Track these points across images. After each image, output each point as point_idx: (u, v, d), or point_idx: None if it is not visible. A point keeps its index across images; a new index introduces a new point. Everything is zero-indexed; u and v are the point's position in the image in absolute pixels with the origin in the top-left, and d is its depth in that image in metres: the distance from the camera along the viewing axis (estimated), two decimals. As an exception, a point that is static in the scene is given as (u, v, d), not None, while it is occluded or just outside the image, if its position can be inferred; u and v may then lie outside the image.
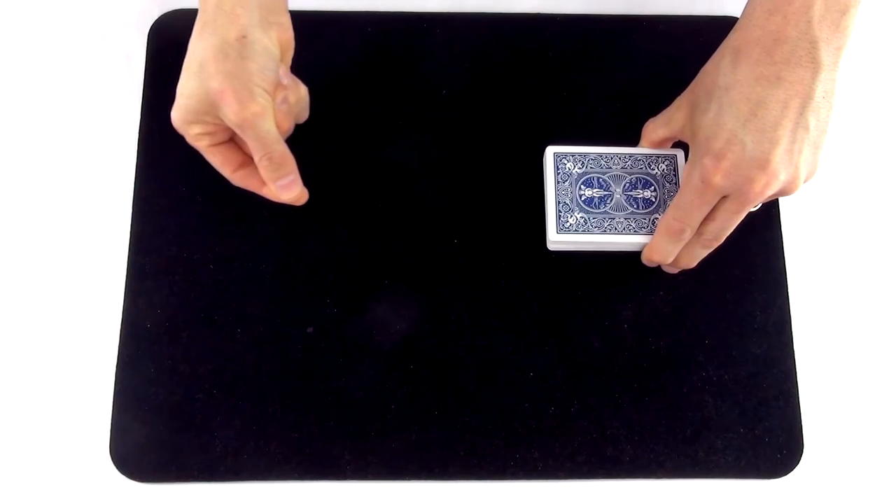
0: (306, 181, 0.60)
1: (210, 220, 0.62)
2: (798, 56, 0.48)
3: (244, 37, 0.50)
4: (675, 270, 0.60)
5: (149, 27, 0.65)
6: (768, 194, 0.51)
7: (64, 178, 0.63)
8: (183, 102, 0.51)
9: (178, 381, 0.59)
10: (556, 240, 0.58)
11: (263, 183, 0.54)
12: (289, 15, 0.54)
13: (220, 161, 0.54)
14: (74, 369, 0.60)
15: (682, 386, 0.60)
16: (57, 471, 0.58)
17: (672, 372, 0.60)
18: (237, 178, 0.55)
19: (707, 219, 0.54)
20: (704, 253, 0.57)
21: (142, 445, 0.58)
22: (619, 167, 0.59)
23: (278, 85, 0.53)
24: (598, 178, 0.58)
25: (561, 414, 0.59)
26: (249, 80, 0.50)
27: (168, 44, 0.65)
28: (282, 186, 0.54)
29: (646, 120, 0.60)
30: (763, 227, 0.63)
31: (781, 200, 0.63)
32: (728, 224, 0.54)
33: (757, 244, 0.62)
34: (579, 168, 0.58)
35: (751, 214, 0.54)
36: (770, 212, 0.63)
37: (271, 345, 0.59)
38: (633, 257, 0.61)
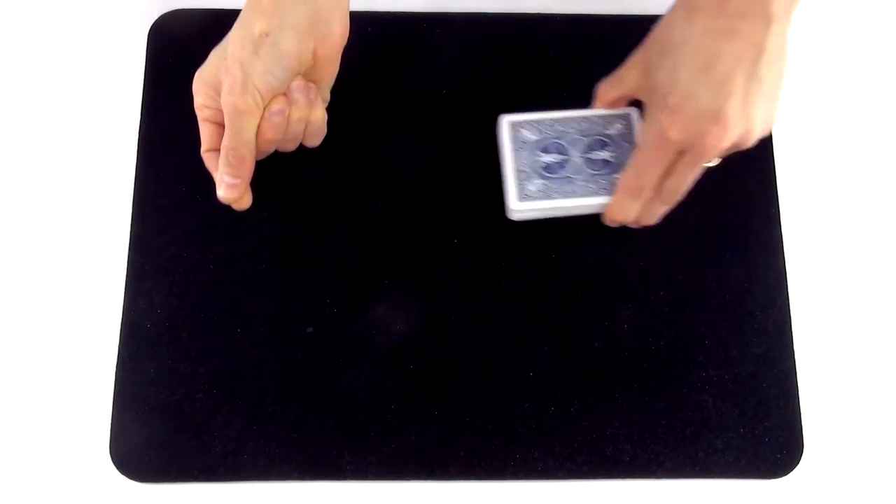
0: (307, 181, 0.60)
1: (210, 220, 0.61)
2: (750, 9, 0.48)
3: (267, 35, 0.51)
4: (637, 226, 0.60)
5: (149, 27, 0.65)
6: (723, 147, 0.51)
7: (64, 179, 0.63)
8: (201, 71, 0.54)
9: (178, 381, 0.59)
10: (518, 208, 0.58)
11: (217, 170, 0.55)
12: (344, 31, 0.54)
13: (203, 135, 0.56)
14: (74, 369, 0.60)
15: (682, 386, 0.60)
16: (57, 471, 0.58)
17: (672, 372, 0.60)
18: (205, 156, 0.56)
19: (665, 174, 0.54)
20: (665, 209, 0.57)
21: (142, 445, 0.58)
22: (574, 130, 0.59)
23: (281, 94, 0.53)
24: (555, 143, 0.58)
25: (561, 414, 0.59)
26: (249, 76, 0.51)
27: (168, 44, 0.65)
28: (224, 182, 0.55)
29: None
30: (763, 227, 0.63)
31: (781, 200, 0.63)
32: (686, 179, 0.54)
33: (757, 244, 0.62)
34: (535, 135, 0.58)
35: (709, 169, 0.54)
36: (770, 212, 0.63)
37: (271, 345, 0.59)
38: (632, 257, 0.61)
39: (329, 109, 0.59)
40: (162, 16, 0.66)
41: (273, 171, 0.62)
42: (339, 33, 0.54)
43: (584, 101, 0.62)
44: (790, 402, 0.60)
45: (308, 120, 0.55)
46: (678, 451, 0.58)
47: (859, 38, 0.68)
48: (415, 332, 0.60)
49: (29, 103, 0.65)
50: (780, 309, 0.61)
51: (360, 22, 0.65)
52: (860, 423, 0.60)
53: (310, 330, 0.60)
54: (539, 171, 0.58)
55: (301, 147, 0.58)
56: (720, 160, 0.55)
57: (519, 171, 0.58)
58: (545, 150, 0.58)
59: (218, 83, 0.53)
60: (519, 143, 0.58)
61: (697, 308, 0.61)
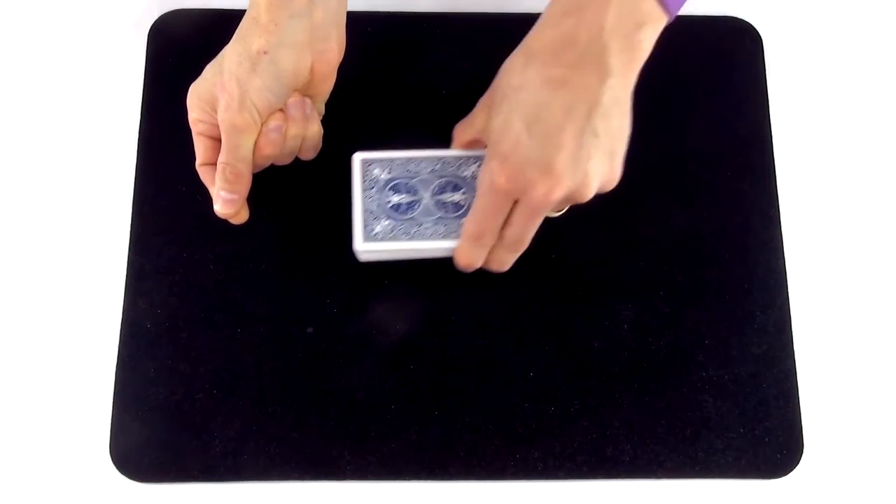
0: (307, 181, 0.60)
1: (210, 220, 0.61)
2: (586, 61, 0.47)
3: (265, 52, 0.51)
4: (493, 271, 0.58)
5: (149, 27, 0.65)
6: (554, 199, 0.49)
7: (64, 179, 0.63)
8: (195, 86, 0.54)
9: (178, 381, 0.59)
10: (364, 249, 0.55)
11: (213, 184, 0.55)
12: (341, 47, 0.54)
13: (198, 149, 0.55)
14: (74, 369, 0.60)
15: (682, 386, 0.60)
16: (57, 471, 0.58)
17: (672, 372, 0.60)
18: (200, 170, 0.56)
19: (505, 223, 0.52)
20: (513, 257, 0.55)
21: (142, 445, 0.58)
22: (427, 171, 0.56)
23: (278, 111, 0.53)
24: (406, 184, 0.56)
25: (561, 414, 0.59)
26: (247, 93, 0.51)
27: (168, 44, 0.65)
28: (221, 198, 0.54)
29: (641, 117, 0.59)
30: (763, 227, 0.63)
31: (781, 200, 0.63)
32: (525, 228, 0.52)
33: (757, 244, 0.62)
34: (386, 174, 0.56)
35: (551, 220, 0.51)
36: (770, 212, 0.63)
37: (271, 345, 0.59)
38: (632, 257, 0.61)
39: (329, 109, 0.59)
40: (162, 16, 0.66)
41: (273, 171, 0.62)
42: (336, 49, 0.54)
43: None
44: (790, 402, 0.60)
45: (304, 135, 0.55)
46: (678, 451, 0.58)
47: (859, 39, 0.68)
48: (415, 332, 0.60)
49: (29, 103, 0.65)
50: (780, 309, 0.61)
51: (360, 22, 0.65)
52: (860, 423, 0.60)
53: (310, 330, 0.60)
54: (387, 211, 0.55)
55: (297, 159, 0.58)
56: (564, 211, 0.53)
57: (366, 211, 0.55)
58: (395, 190, 0.55)
59: (213, 98, 0.52)
60: (369, 182, 0.56)
61: (697, 308, 0.61)
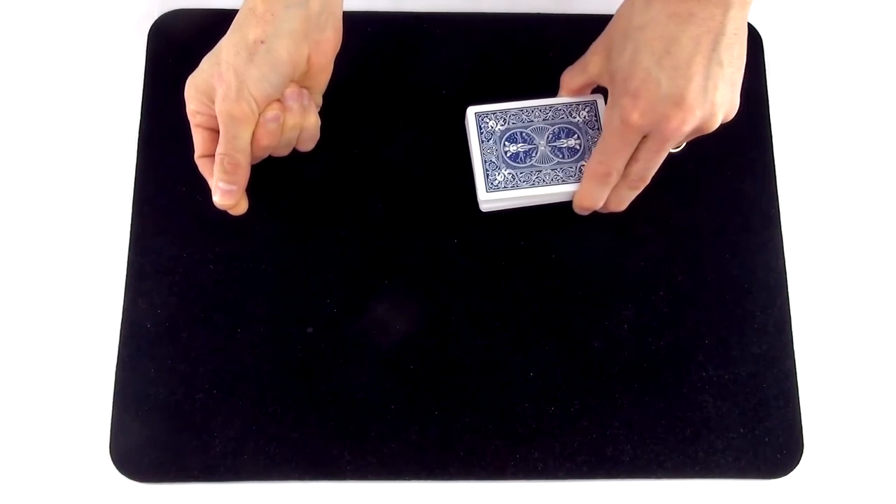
0: (307, 181, 0.59)
1: (210, 220, 0.61)
2: None
3: (262, 42, 0.51)
4: (606, 212, 0.60)
5: (149, 27, 0.65)
6: (686, 131, 0.51)
7: (64, 179, 0.63)
8: (193, 78, 0.53)
9: (178, 381, 0.59)
10: (487, 198, 0.58)
11: (212, 176, 0.55)
12: (337, 37, 0.54)
13: (197, 141, 0.55)
14: (74, 369, 0.60)
15: (682, 386, 0.60)
16: (57, 471, 0.58)
17: (672, 372, 0.60)
18: (199, 162, 0.56)
19: (631, 160, 0.54)
20: (633, 195, 0.57)
21: (142, 445, 0.58)
22: (540, 119, 0.59)
23: (276, 101, 0.53)
24: (521, 133, 0.58)
25: (561, 414, 0.59)
26: (244, 84, 0.51)
27: (168, 44, 0.65)
28: (220, 189, 0.54)
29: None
30: (763, 227, 0.63)
31: (781, 200, 0.63)
32: (651, 164, 0.54)
33: (757, 244, 0.62)
34: (501, 125, 0.58)
35: (671, 154, 0.54)
36: (770, 212, 0.63)
37: (271, 345, 0.59)
38: (632, 257, 0.61)
39: (329, 109, 0.59)
40: (162, 16, 0.66)
41: (273, 171, 0.62)
42: (333, 39, 0.54)
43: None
44: (790, 402, 0.60)
45: (302, 126, 0.56)
46: (678, 451, 0.58)
47: (859, 39, 0.68)
48: (415, 332, 0.60)
49: (29, 103, 0.65)
50: (780, 309, 0.61)
51: (360, 22, 0.65)
52: (860, 423, 0.60)
53: (310, 330, 0.60)
54: (506, 161, 0.58)
55: (295, 151, 0.58)
56: (684, 146, 0.55)
57: (486, 162, 0.58)
58: (511, 140, 0.58)
59: (211, 89, 0.52)
60: (485, 134, 0.58)
61: (697, 308, 0.61)
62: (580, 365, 0.60)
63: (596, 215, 0.59)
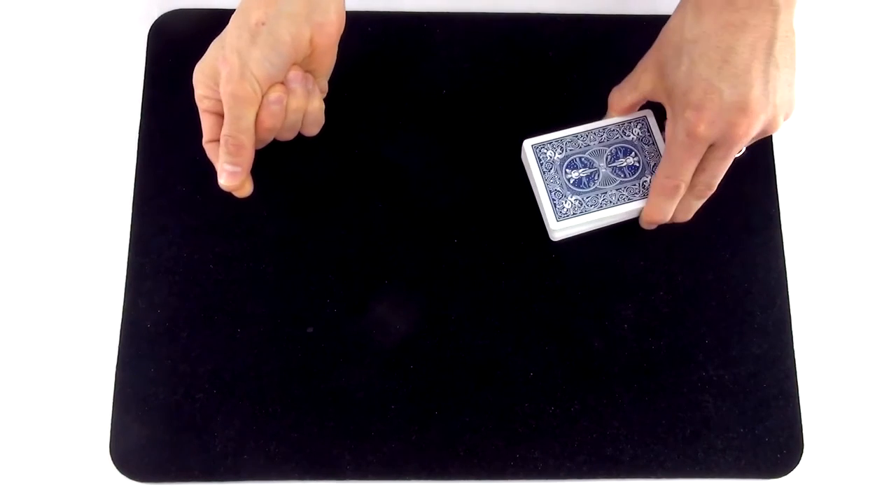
0: (307, 181, 0.59)
1: (210, 220, 0.61)
2: (758, 2, 0.51)
3: (263, 23, 0.52)
4: (671, 222, 0.61)
5: (149, 27, 0.65)
6: (752, 135, 0.53)
7: (64, 179, 0.63)
8: (200, 63, 0.54)
9: (178, 381, 0.59)
10: (558, 227, 0.58)
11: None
12: (340, 20, 0.55)
13: (205, 126, 0.56)
14: (74, 369, 0.60)
15: (682, 386, 0.60)
16: (57, 471, 0.58)
17: (672, 372, 0.60)
18: (207, 147, 0.56)
19: (697, 170, 0.55)
20: (699, 204, 0.58)
21: (142, 445, 0.58)
22: (596, 142, 0.59)
23: (279, 83, 0.54)
24: (580, 158, 0.59)
25: (561, 414, 0.59)
26: (247, 65, 0.52)
27: (168, 44, 0.65)
28: (225, 171, 0.55)
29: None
30: (763, 227, 0.63)
31: (781, 200, 0.63)
32: (718, 171, 0.55)
33: (757, 244, 0.62)
34: (559, 153, 0.59)
35: (737, 160, 0.55)
36: (770, 212, 0.63)
37: (271, 345, 0.59)
38: (632, 257, 0.61)
39: (329, 109, 0.59)
40: (162, 16, 0.66)
41: (273, 171, 0.62)
42: (335, 21, 0.54)
43: (585, 101, 0.62)
44: (790, 402, 0.60)
45: (306, 110, 0.56)
46: (678, 451, 0.58)
47: (859, 39, 0.68)
48: (415, 332, 0.60)
49: (29, 103, 0.65)
50: (780, 309, 0.61)
51: (360, 22, 0.65)
52: (860, 423, 0.60)
53: (310, 330, 0.60)
54: (570, 188, 0.58)
55: (300, 146, 0.58)
56: (745, 150, 0.56)
57: (551, 192, 0.58)
58: (572, 167, 0.59)
59: (217, 74, 0.53)
60: (546, 165, 0.59)
61: (697, 308, 0.61)
62: (580, 365, 0.60)
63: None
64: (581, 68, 0.65)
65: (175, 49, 0.65)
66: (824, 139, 0.66)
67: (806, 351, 0.61)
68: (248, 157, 0.55)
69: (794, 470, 0.59)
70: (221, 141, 0.54)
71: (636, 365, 0.60)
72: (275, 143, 0.58)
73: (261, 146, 0.57)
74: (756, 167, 0.64)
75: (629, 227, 0.61)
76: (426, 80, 0.65)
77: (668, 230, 0.62)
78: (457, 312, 0.60)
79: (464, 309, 0.60)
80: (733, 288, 0.61)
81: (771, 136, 0.64)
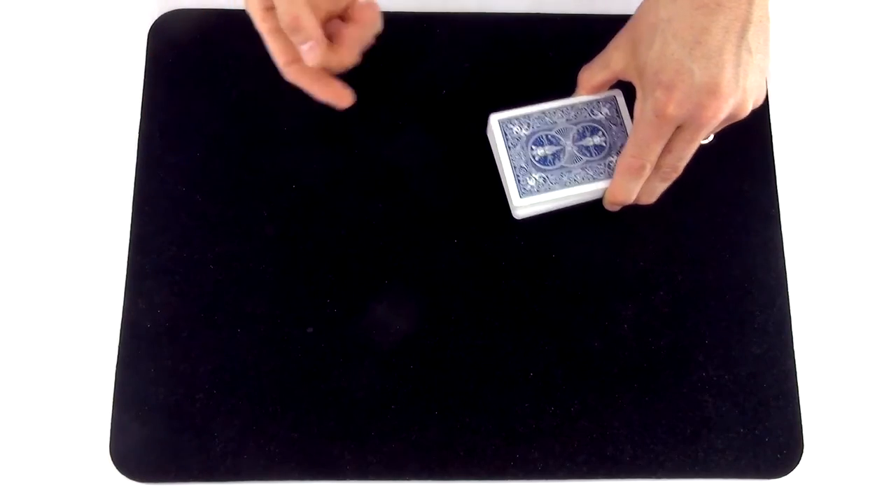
0: (307, 181, 0.59)
1: (210, 220, 0.61)
2: None
3: None
4: (636, 204, 0.60)
5: (149, 27, 0.65)
6: (720, 118, 0.52)
7: (64, 179, 0.63)
8: None
9: (178, 381, 0.59)
10: (521, 204, 0.58)
11: (313, 80, 0.54)
12: None
13: (277, 49, 0.54)
14: (74, 369, 0.60)
15: (682, 386, 0.60)
16: (57, 471, 0.58)
17: (672, 372, 0.60)
18: (290, 73, 0.54)
19: (664, 151, 0.55)
20: (664, 186, 0.58)
21: (142, 445, 0.58)
22: (563, 120, 0.59)
23: None
24: (547, 135, 0.59)
25: (561, 414, 0.59)
26: None
27: (168, 44, 0.65)
28: (303, 52, 0.53)
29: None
30: (763, 227, 0.63)
31: (781, 200, 0.63)
32: (685, 154, 0.55)
33: (757, 244, 0.62)
34: (526, 130, 0.59)
35: (704, 146, 0.55)
36: (770, 212, 0.63)
37: (271, 345, 0.59)
38: (632, 257, 0.61)
39: (329, 109, 0.59)
40: (162, 16, 0.66)
41: (273, 171, 0.62)
42: None
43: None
44: (790, 402, 0.60)
45: (363, 38, 0.55)
46: (678, 451, 0.58)
47: (859, 38, 0.68)
48: (415, 332, 0.60)
49: (29, 103, 0.65)
50: (780, 309, 0.61)
51: (360, 22, 0.65)
52: (860, 423, 0.60)
53: (310, 330, 0.60)
54: (535, 165, 0.58)
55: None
56: (712, 137, 0.55)
57: (516, 168, 0.58)
58: (538, 143, 0.58)
59: None
60: (512, 140, 0.58)
61: (697, 308, 0.61)
62: (580, 365, 0.60)
63: (605, 212, 0.60)
64: (581, 68, 0.65)
65: (175, 49, 0.65)
66: (824, 139, 0.66)
67: (806, 351, 0.61)
68: (312, 28, 0.52)
69: (794, 470, 0.59)
70: (283, 28, 0.52)
71: (636, 365, 0.60)
72: (275, 143, 0.58)
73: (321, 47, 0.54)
74: (756, 167, 0.64)
75: (629, 227, 0.62)
76: (426, 80, 0.65)
77: (668, 229, 0.62)
78: (457, 312, 0.60)
79: (464, 309, 0.60)
80: (733, 288, 0.61)
81: (771, 137, 0.64)
